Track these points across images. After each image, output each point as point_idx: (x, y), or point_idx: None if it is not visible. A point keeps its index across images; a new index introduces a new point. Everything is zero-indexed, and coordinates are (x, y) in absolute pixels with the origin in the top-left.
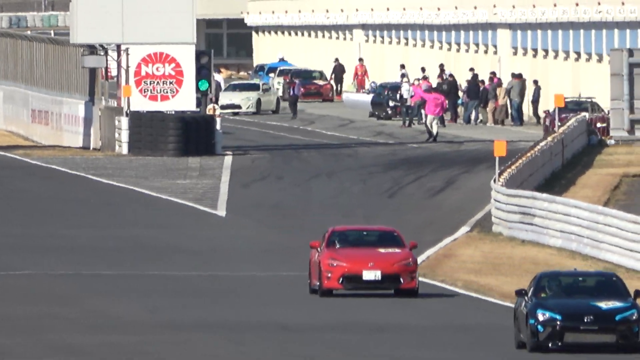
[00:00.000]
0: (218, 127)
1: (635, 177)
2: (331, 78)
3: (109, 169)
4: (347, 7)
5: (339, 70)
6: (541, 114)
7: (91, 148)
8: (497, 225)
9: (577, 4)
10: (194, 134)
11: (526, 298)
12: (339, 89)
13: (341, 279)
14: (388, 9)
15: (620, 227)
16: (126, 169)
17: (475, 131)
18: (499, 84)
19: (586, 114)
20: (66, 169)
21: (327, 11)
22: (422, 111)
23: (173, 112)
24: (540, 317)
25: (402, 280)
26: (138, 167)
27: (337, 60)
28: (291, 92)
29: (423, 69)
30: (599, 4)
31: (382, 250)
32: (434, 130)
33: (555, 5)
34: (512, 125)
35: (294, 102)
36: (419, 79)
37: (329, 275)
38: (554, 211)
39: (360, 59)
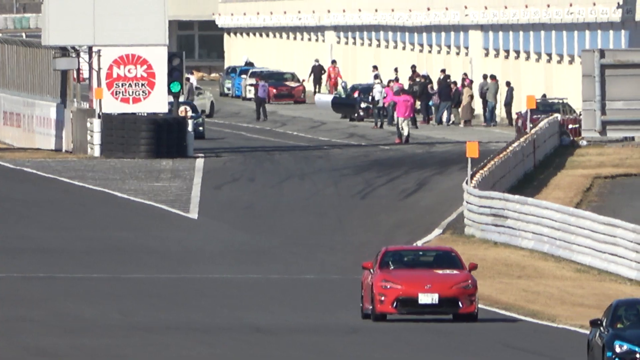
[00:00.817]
0: (190, 129)
1: (607, 179)
2: (304, 80)
3: (81, 171)
4: (318, 8)
5: (318, 71)
6: (514, 116)
7: (63, 150)
8: (469, 227)
9: (548, 5)
10: (165, 136)
11: (602, 328)
12: (317, 89)
13: (395, 303)
14: (360, 11)
15: (592, 229)
16: (98, 171)
17: (448, 132)
18: (467, 84)
19: (558, 115)
20: (38, 171)
21: (299, 12)
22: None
23: (145, 114)
24: (618, 349)
25: (460, 304)
26: (110, 170)
27: (317, 61)
28: (256, 94)
29: (396, 69)
30: (571, 5)
31: (439, 271)
32: (405, 132)
33: (526, 6)
34: (484, 126)
35: (259, 104)
36: (391, 81)
37: (382, 298)
38: (526, 213)
39: (333, 61)
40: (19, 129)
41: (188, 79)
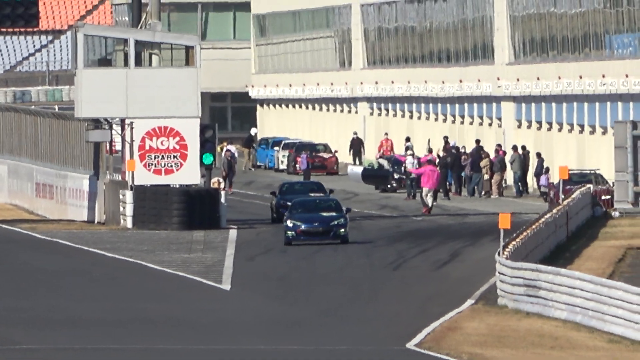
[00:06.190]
0: (223, 200)
1: (639, 250)
2: (336, 151)
3: (114, 243)
4: (351, 80)
5: (357, 144)
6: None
7: (96, 222)
8: (502, 297)
9: (580, 77)
10: (198, 208)
11: None
12: (357, 162)
13: None
14: (393, 82)
15: (625, 300)
16: (130, 242)
17: (480, 204)
18: (494, 156)
19: (590, 186)
20: (70, 242)
21: (332, 84)
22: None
23: (177, 186)
24: None
25: None
26: (142, 241)
27: (355, 134)
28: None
29: (429, 141)
30: (603, 76)
31: None
32: (429, 203)
33: (559, 77)
34: (514, 198)
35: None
36: (426, 152)
37: None
38: (559, 283)
39: (386, 133)
40: (51, 200)
41: (229, 150)
